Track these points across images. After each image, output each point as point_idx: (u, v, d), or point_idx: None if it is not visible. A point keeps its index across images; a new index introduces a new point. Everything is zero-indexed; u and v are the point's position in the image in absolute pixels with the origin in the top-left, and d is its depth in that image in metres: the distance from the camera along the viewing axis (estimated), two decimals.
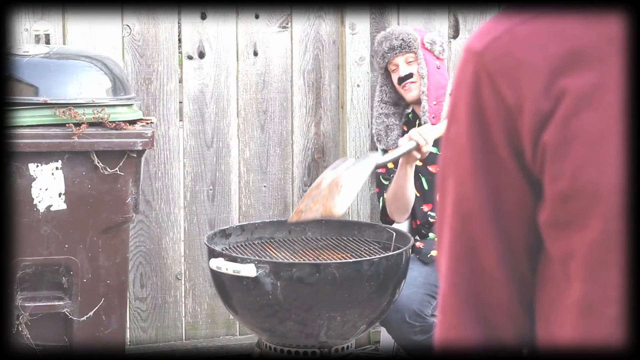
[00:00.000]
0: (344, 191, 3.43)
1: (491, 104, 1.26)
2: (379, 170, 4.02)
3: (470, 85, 1.27)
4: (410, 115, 4.10)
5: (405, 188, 3.84)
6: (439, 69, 3.99)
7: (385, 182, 3.97)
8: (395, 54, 3.98)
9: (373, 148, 4.34)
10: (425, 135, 3.62)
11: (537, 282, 1.32)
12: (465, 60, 1.28)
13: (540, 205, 1.26)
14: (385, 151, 3.99)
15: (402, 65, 3.99)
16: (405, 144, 3.63)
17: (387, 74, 4.08)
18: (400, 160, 3.72)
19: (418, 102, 4.00)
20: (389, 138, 4.03)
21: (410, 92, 3.99)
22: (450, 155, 1.32)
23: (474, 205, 1.30)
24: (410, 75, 3.98)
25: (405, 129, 4.07)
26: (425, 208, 3.99)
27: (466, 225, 1.31)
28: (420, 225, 4.01)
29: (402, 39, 3.97)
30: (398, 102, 4.09)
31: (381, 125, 4.07)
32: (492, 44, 1.26)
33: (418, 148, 3.62)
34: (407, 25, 4.17)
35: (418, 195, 3.98)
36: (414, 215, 4.01)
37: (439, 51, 4.00)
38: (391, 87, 4.08)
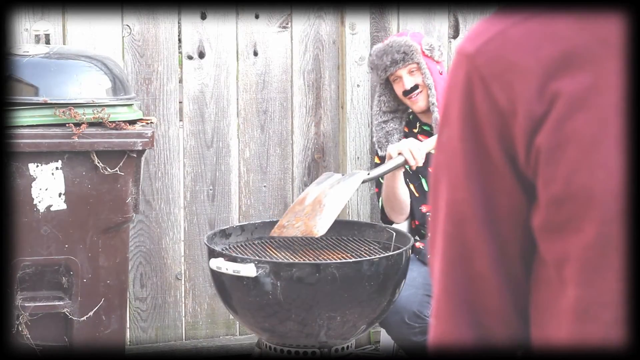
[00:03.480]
0: (326, 211, 3.43)
1: (484, 107, 1.25)
2: None
3: (463, 88, 1.26)
4: (411, 117, 4.10)
5: (395, 188, 3.85)
6: (441, 74, 3.97)
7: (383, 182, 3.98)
8: (398, 67, 3.94)
9: (373, 148, 4.34)
10: (416, 153, 3.62)
11: (532, 286, 1.31)
12: (458, 63, 1.27)
13: (533, 209, 1.26)
14: (383, 159, 3.99)
15: (405, 77, 3.95)
16: (394, 159, 3.64)
17: (386, 83, 4.05)
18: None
19: (425, 111, 3.98)
20: (389, 144, 4.02)
21: (417, 104, 3.96)
22: (442, 159, 1.31)
23: (467, 210, 1.29)
24: (416, 87, 3.95)
25: (407, 130, 4.08)
26: (424, 209, 3.99)
27: (459, 230, 1.30)
28: (420, 226, 4.01)
29: (404, 52, 3.93)
30: (397, 109, 4.09)
31: (381, 132, 4.07)
32: (484, 47, 1.24)
33: (406, 163, 3.64)
34: (403, 35, 4.07)
35: (417, 195, 3.98)
36: (413, 216, 4.01)
37: (438, 55, 3.98)
38: (389, 96, 4.06)
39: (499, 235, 1.29)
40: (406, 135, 4.05)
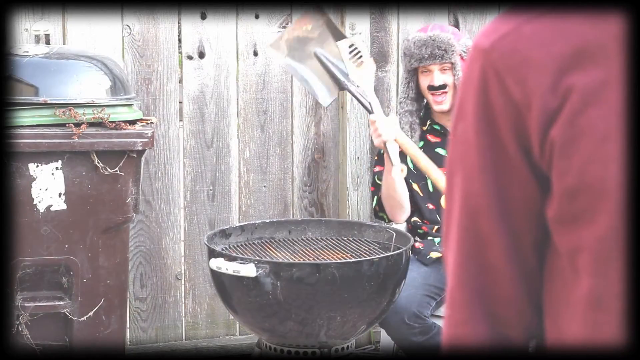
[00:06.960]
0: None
1: (499, 100, 1.26)
2: (376, 169, 4.01)
3: (478, 83, 1.28)
4: (422, 113, 4.04)
5: (392, 185, 3.81)
6: None
7: (379, 182, 3.94)
8: (435, 62, 3.89)
9: (373, 149, 4.34)
10: (381, 129, 3.72)
11: (545, 276, 1.33)
12: (473, 58, 1.29)
13: (547, 200, 1.27)
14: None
15: (436, 73, 3.89)
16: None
17: (414, 71, 3.98)
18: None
19: (445, 112, 3.93)
20: (413, 139, 3.94)
21: (442, 105, 3.91)
22: (457, 152, 1.33)
23: (482, 202, 1.30)
24: (444, 86, 3.90)
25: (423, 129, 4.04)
26: (430, 206, 3.96)
27: (474, 222, 1.31)
28: (422, 224, 3.98)
29: (445, 50, 3.87)
30: (419, 98, 4.02)
31: (407, 125, 3.99)
32: (499, 42, 1.27)
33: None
34: (445, 31, 3.97)
35: (422, 195, 3.96)
36: (421, 215, 3.96)
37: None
38: (417, 84, 3.99)
39: (512, 227, 1.31)
40: (421, 134, 4.01)
